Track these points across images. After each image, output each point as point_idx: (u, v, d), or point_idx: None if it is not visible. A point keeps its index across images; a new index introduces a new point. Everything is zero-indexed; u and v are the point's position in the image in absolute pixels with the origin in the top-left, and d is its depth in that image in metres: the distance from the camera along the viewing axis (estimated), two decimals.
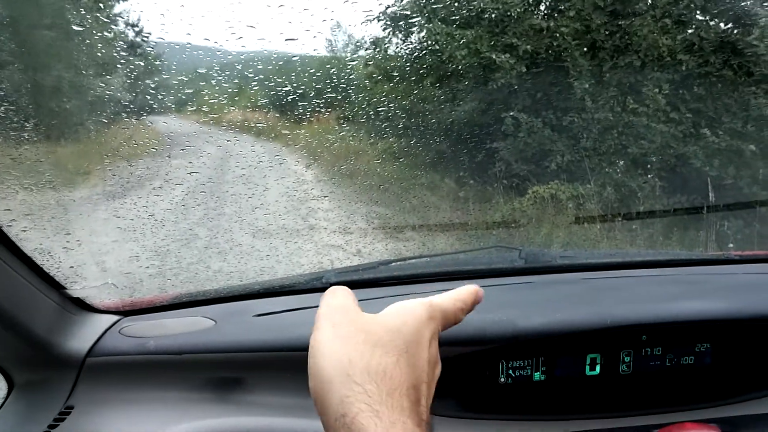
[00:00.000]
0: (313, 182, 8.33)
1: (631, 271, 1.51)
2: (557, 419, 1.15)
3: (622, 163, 6.10)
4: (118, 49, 10.36)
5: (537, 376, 1.17)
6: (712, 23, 6.40)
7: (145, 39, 12.22)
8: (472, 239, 5.63)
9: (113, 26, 10.73)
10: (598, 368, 1.18)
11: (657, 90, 5.91)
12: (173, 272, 4.24)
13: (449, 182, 7.41)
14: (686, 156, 5.85)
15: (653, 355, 1.20)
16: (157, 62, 12.16)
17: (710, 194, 5.28)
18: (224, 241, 5.22)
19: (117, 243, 4.83)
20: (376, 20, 8.20)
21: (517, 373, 1.16)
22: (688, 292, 1.36)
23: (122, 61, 10.07)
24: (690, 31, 6.28)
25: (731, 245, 4.92)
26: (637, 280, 1.44)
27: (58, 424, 1.03)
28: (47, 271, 1.07)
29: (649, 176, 5.94)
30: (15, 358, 1.08)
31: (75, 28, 8.03)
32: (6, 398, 1.10)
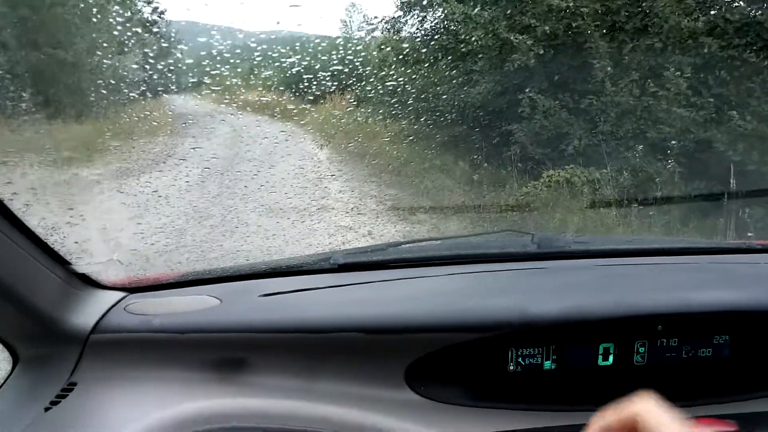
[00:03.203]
0: (326, 162, 8.32)
1: (648, 259, 1.46)
2: (567, 410, 1.12)
3: (640, 147, 5.99)
4: (136, 26, 10.37)
5: (547, 364, 1.14)
6: (736, 4, 6.22)
7: (162, 17, 12.23)
8: (485, 223, 5.59)
9: (132, 4, 10.74)
10: (611, 358, 1.15)
11: (678, 73, 5.77)
12: (180, 251, 4.26)
13: (463, 165, 7.35)
14: (707, 141, 5.73)
15: (669, 346, 1.16)
16: (174, 41, 12.16)
17: (732, 180, 5.17)
18: (235, 219, 5.24)
19: (131, 220, 4.87)
20: (392, 1, 8.11)
21: (527, 362, 1.14)
22: (707, 281, 1.32)
23: (141, 39, 10.08)
24: (713, 12, 6.11)
25: (751, 234, 4.82)
26: (653, 268, 1.40)
27: (60, 401, 1.02)
28: (52, 246, 1.06)
29: (668, 162, 5.83)
30: (20, 333, 1.08)
31: (92, 6, 8.04)
32: (11, 372, 1.10)
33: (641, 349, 1.16)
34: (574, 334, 1.14)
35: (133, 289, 1.26)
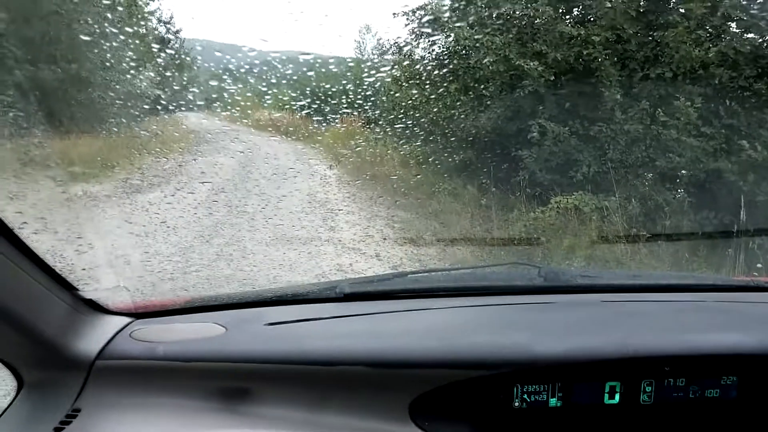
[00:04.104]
0: (336, 184, 8.34)
1: (654, 295, 1.46)
2: None
3: (649, 176, 5.98)
4: (151, 44, 10.52)
5: (553, 402, 1.13)
6: (746, 36, 6.24)
7: (177, 36, 12.43)
8: (493, 248, 5.57)
9: (147, 22, 10.93)
10: (617, 397, 1.14)
11: (689, 103, 5.77)
12: (186, 276, 4.24)
13: (472, 189, 7.35)
14: (717, 171, 5.71)
15: (676, 386, 1.15)
16: (188, 59, 12.34)
17: (741, 211, 5.13)
18: (245, 242, 5.23)
19: (138, 246, 4.88)
20: (404, 24, 8.19)
21: (533, 399, 1.13)
22: (714, 322, 1.31)
23: (156, 58, 10.22)
24: (724, 43, 6.13)
25: (760, 265, 4.78)
26: (660, 306, 1.39)
27: (64, 427, 1.02)
28: (59, 272, 1.06)
29: (677, 191, 5.81)
30: (25, 357, 1.08)
31: (108, 24, 8.19)
32: (16, 397, 1.10)
33: (648, 389, 1.15)
34: (581, 372, 1.14)
35: (139, 314, 1.26)
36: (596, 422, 1.14)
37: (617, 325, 1.27)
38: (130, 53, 8.99)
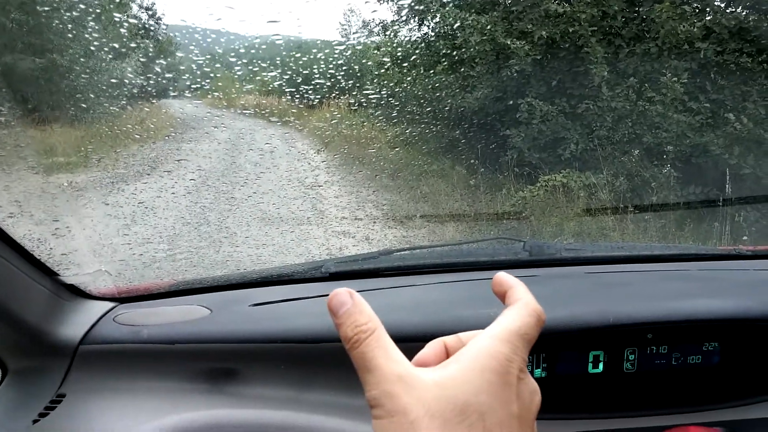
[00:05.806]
0: (323, 167, 8.32)
1: (638, 266, 1.47)
2: (558, 419, 1.12)
3: (636, 152, 6.01)
4: (132, 31, 10.36)
5: (537, 373, 1.14)
6: (731, 10, 6.25)
7: (159, 22, 12.25)
8: (482, 227, 5.59)
9: (128, 9, 10.75)
10: (601, 366, 1.15)
11: (675, 78, 5.78)
12: (170, 260, 4.23)
13: (460, 169, 7.36)
14: (703, 145, 5.74)
15: (659, 354, 1.16)
16: (172, 46, 12.17)
17: (727, 184, 5.18)
18: (232, 225, 5.22)
19: (119, 230, 4.85)
20: (388, 4, 8.12)
21: None
22: (696, 289, 1.32)
23: (137, 42, 10.06)
24: (709, 17, 6.13)
25: (745, 237, 4.83)
26: (644, 276, 1.41)
27: (49, 413, 1.02)
28: (38, 257, 1.05)
29: (664, 166, 5.84)
30: (8, 345, 1.07)
31: (89, 9, 8.05)
32: None
33: (631, 357, 1.16)
34: (564, 343, 1.14)
35: (122, 299, 1.25)
36: (581, 391, 1.16)
37: (601, 295, 1.28)
38: (111, 40, 8.85)
